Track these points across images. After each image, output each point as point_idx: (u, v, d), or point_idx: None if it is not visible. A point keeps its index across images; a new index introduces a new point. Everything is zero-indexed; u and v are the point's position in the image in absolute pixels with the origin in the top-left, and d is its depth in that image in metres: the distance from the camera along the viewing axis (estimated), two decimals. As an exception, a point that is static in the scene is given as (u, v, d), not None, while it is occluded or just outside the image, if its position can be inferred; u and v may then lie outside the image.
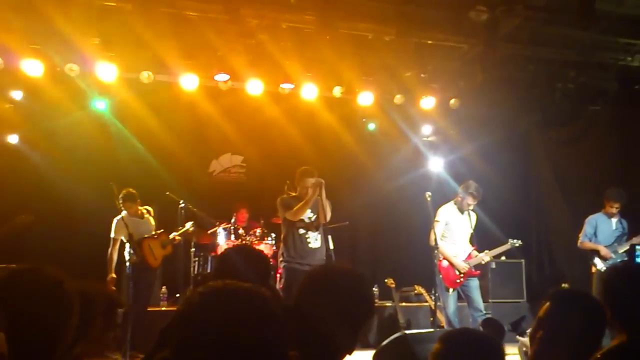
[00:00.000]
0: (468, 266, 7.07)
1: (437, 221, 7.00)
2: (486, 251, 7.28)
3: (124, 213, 7.07)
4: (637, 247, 7.46)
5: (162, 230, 7.44)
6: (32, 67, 7.31)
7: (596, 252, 7.69)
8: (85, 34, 7.04)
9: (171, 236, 7.49)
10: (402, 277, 8.56)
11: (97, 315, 2.57)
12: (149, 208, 7.47)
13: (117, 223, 7.11)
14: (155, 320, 7.27)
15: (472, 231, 7.33)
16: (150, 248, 7.22)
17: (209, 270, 8.55)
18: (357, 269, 2.28)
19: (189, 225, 7.69)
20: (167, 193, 8.02)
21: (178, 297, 8.43)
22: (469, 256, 7.20)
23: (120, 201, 7.01)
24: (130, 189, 7.21)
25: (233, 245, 7.96)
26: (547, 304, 2.36)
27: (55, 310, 1.96)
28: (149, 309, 7.58)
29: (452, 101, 8.22)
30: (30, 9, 6.54)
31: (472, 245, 7.31)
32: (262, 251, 7.47)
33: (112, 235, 7.14)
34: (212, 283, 1.31)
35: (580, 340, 2.26)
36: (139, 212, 7.35)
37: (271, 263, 8.20)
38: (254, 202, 9.04)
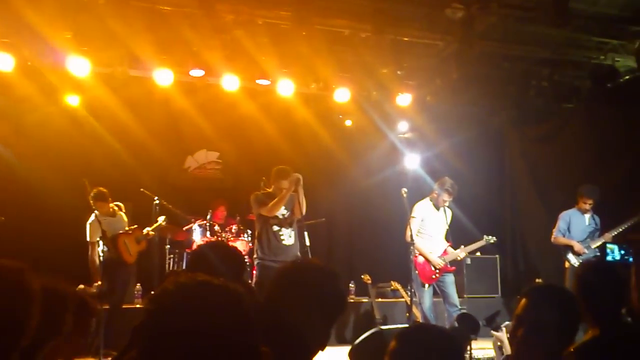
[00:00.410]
0: (443, 262, 7.12)
1: (413, 217, 7.03)
2: (462, 247, 7.35)
3: (96, 213, 6.93)
4: (609, 245, 7.55)
5: (136, 226, 7.34)
6: (3, 62, 7.19)
7: (570, 248, 7.78)
8: (58, 28, 6.93)
9: (145, 231, 7.37)
10: (378, 273, 8.59)
11: (68, 313, 2.52)
12: (120, 204, 7.35)
13: (91, 225, 6.98)
14: (130, 317, 7.19)
15: (447, 227, 7.37)
16: (126, 244, 7.13)
17: (184, 267, 8.49)
18: (328, 265, 2.26)
19: (161, 219, 7.59)
20: (142, 190, 7.93)
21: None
22: (445, 252, 7.25)
23: (92, 201, 6.88)
24: (101, 188, 7.05)
25: (207, 241, 7.91)
26: (524, 300, 2.37)
27: (13, 298, 1.91)
28: (124, 307, 7.50)
29: (428, 98, 8.22)
30: (0, 2, 6.41)
31: (448, 241, 7.36)
32: (236, 248, 7.44)
33: (89, 239, 7.00)
34: (183, 278, 1.28)
35: (558, 333, 2.27)
36: (111, 209, 7.22)
37: (246, 260, 8.19)
38: (229, 199, 8.98)
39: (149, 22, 6.93)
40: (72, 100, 8.31)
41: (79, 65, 7.40)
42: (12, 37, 6.98)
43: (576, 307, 2.39)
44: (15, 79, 7.60)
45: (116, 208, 7.30)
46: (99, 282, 6.87)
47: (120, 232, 7.13)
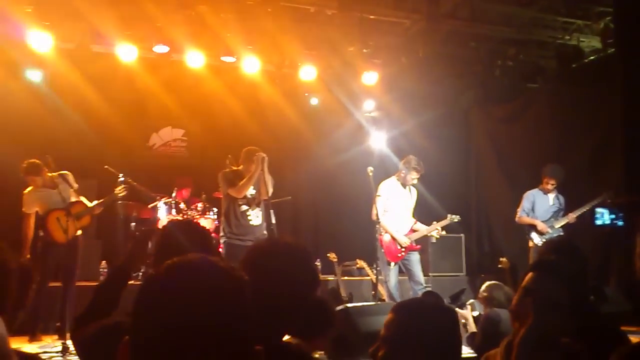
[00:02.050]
0: (409, 241, 7.16)
1: (378, 196, 7.04)
2: (434, 223, 7.36)
3: (30, 187, 6.54)
4: (598, 209, 7.59)
5: (76, 200, 6.74)
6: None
7: (533, 227, 7.86)
8: (18, 2, 6.76)
9: (92, 204, 6.77)
10: (344, 251, 8.62)
11: (13, 284, 2.49)
12: (66, 173, 6.73)
13: (25, 196, 6.53)
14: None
15: (414, 205, 7.41)
16: (59, 221, 6.52)
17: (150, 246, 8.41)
18: (299, 242, 2.25)
19: (118, 189, 7.01)
20: (106, 167, 7.81)
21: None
22: (411, 230, 7.29)
23: (22, 175, 6.46)
24: (33, 160, 6.53)
25: (174, 220, 7.84)
26: (532, 274, 2.32)
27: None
28: (88, 284, 7.40)
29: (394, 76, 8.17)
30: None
31: (415, 220, 7.40)
32: (204, 227, 7.38)
33: (24, 208, 6.53)
34: (177, 258, 1.16)
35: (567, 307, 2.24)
36: (50, 181, 6.61)
37: (214, 238, 8.16)
38: (195, 177, 8.90)
39: (111, -4, 6.81)
40: (34, 76, 8.12)
41: (40, 40, 7.26)
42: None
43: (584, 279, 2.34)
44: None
45: (59, 179, 6.69)
46: (28, 256, 6.45)
47: (54, 207, 6.52)
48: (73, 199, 6.71)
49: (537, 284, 2.27)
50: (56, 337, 6.18)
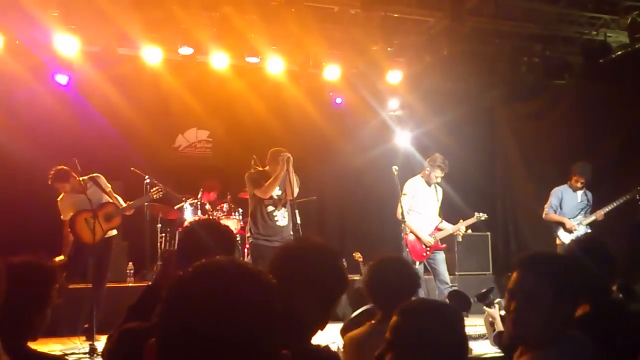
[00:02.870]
0: (434, 240, 7.13)
1: (404, 195, 7.01)
2: (461, 221, 7.31)
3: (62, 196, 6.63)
4: None
5: (107, 201, 6.75)
6: (-9, 41, 7.13)
7: (561, 225, 7.79)
8: (45, 6, 6.86)
9: (124, 205, 6.79)
10: (369, 250, 8.58)
11: (53, 286, 2.52)
12: (97, 175, 6.77)
13: (60, 203, 6.62)
14: (122, 296, 7.20)
15: (439, 204, 7.36)
16: (86, 222, 6.48)
17: (172, 246, 8.49)
18: (328, 243, 2.24)
19: (154, 189, 7.12)
20: (132, 169, 7.89)
21: (145, 273, 8.37)
22: (436, 229, 7.25)
23: (50, 183, 6.54)
24: (60, 167, 6.60)
25: (198, 219, 7.88)
26: (515, 273, 2.28)
27: None
28: (115, 285, 7.51)
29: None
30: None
31: (440, 219, 7.35)
32: (227, 226, 7.39)
33: (62, 216, 6.64)
34: (205, 260, 1.16)
35: (555, 304, 2.16)
36: (79, 185, 6.60)
37: (237, 238, 8.20)
38: (220, 178, 8.96)
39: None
40: (61, 79, 8.22)
41: (67, 44, 7.34)
42: (0, 16, 6.89)
43: (572, 274, 2.24)
44: (3, 58, 7.53)
45: (89, 183, 6.71)
46: (62, 257, 6.48)
47: (82, 209, 6.50)
48: (104, 201, 6.73)
49: (516, 284, 2.24)
50: (84, 338, 6.23)
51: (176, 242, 8.45)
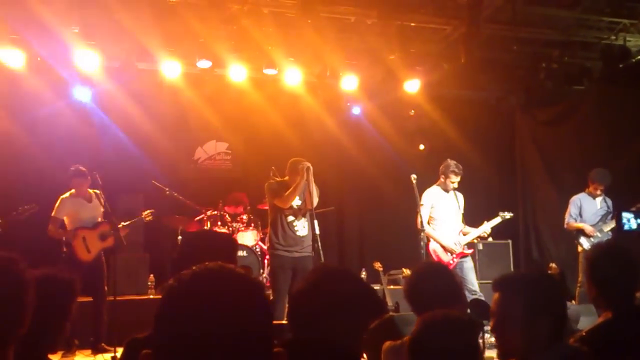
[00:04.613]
0: (459, 247, 7.05)
1: (422, 205, 6.97)
2: (485, 222, 7.22)
3: (71, 192, 6.67)
4: (625, 214, 7.38)
5: (103, 221, 6.81)
6: (13, 58, 7.25)
7: (581, 231, 7.72)
8: (65, 23, 6.97)
9: (120, 225, 6.82)
10: (389, 260, 8.56)
11: (74, 299, 2.54)
12: (98, 192, 6.78)
13: (61, 200, 6.64)
14: (143, 309, 7.24)
15: (462, 211, 7.28)
16: (84, 240, 6.59)
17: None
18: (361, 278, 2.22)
19: (146, 212, 7.20)
20: (153, 182, 7.96)
21: (165, 285, 8.40)
22: (461, 234, 7.17)
23: (68, 177, 6.61)
24: (80, 166, 6.71)
25: (195, 230, 7.87)
26: (496, 294, 2.36)
27: (6, 288, 1.92)
28: (137, 298, 7.56)
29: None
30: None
31: (463, 225, 7.26)
32: (225, 233, 7.37)
33: (53, 213, 6.63)
34: (195, 267, 1.20)
35: (528, 320, 2.23)
36: (87, 194, 6.76)
37: (258, 248, 8.21)
38: (240, 189, 9.01)
39: (155, 14, 6.96)
40: (82, 94, 8.33)
41: (87, 60, 7.45)
42: (22, 33, 7.02)
43: (545, 293, 2.31)
44: (25, 75, 7.66)
45: (94, 195, 6.82)
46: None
47: (80, 226, 6.62)
48: (100, 219, 6.82)
49: (493, 305, 2.34)
50: (89, 351, 6.26)
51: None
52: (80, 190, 6.69)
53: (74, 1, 6.68)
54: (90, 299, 6.60)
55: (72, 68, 7.72)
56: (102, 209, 6.77)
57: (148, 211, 7.22)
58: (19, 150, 8.04)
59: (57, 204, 6.68)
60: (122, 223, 6.92)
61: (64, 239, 6.64)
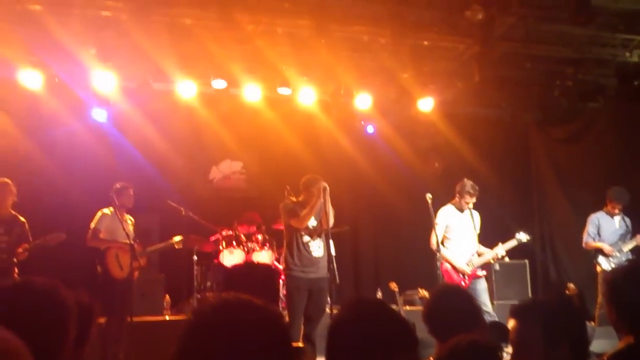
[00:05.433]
0: (471, 268, 6.99)
1: (436, 224, 6.93)
2: (500, 244, 7.14)
3: (111, 209, 6.79)
4: None
5: (137, 241, 6.93)
6: (31, 79, 7.35)
7: (600, 251, 7.64)
8: (83, 44, 7.06)
9: (150, 249, 7.07)
10: (405, 280, 8.50)
11: (94, 323, 2.54)
12: (131, 217, 7.08)
13: (102, 214, 6.80)
14: (159, 330, 7.23)
15: (478, 231, 7.21)
16: (117, 257, 6.71)
17: (208, 278, 8.53)
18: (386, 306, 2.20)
19: (176, 239, 7.28)
20: (168, 202, 7.99)
21: (181, 306, 8.40)
22: (475, 255, 7.10)
23: (113, 194, 6.76)
24: (126, 184, 6.96)
25: (242, 262, 7.88)
26: (512, 322, 2.34)
27: (50, 315, 1.93)
28: (152, 319, 7.55)
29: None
30: (28, 21, 6.55)
31: (478, 245, 7.20)
32: (268, 268, 7.38)
33: (93, 225, 6.76)
34: (225, 295, 1.28)
35: (551, 350, 2.21)
36: (122, 214, 6.88)
37: (276, 271, 8.20)
38: (254, 208, 9.02)
39: (171, 35, 7.03)
40: (99, 115, 8.42)
41: (104, 80, 7.54)
42: (40, 55, 7.12)
43: (562, 319, 2.30)
44: (43, 95, 7.76)
45: (128, 217, 7.04)
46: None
47: (114, 244, 6.73)
48: (132, 240, 6.82)
49: (511, 334, 2.32)
50: None
51: (212, 274, 8.50)
52: (127, 206, 6.90)
53: (91, 23, 6.76)
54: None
55: (89, 89, 7.82)
56: (130, 231, 6.86)
57: (178, 238, 7.26)
58: (37, 170, 8.11)
59: (97, 216, 6.82)
60: (152, 246, 7.15)
61: (98, 254, 6.72)
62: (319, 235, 6.27)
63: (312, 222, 6.24)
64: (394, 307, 8.12)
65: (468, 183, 7.06)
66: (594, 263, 7.73)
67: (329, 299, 6.23)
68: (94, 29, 6.86)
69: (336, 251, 6.13)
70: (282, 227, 6.62)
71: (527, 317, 2.30)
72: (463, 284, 6.92)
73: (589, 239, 7.75)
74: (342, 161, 9.63)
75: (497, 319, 6.73)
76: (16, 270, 6.36)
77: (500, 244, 7.14)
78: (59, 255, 6.77)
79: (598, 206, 7.85)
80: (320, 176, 6.35)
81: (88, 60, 7.29)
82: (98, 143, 8.71)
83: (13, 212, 6.54)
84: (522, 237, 7.16)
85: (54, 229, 6.73)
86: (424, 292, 7.90)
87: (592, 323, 7.47)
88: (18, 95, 7.78)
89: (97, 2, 6.57)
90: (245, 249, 8.37)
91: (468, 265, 7.00)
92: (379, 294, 8.72)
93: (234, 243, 8.41)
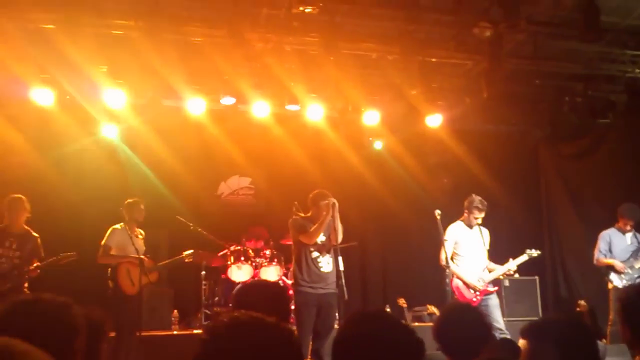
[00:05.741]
0: (483, 284, 6.94)
1: (445, 240, 6.90)
2: (510, 260, 7.09)
3: (122, 225, 6.86)
4: None
5: (149, 256, 7.00)
6: (43, 96, 7.43)
7: (612, 268, 7.57)
8: (94, 62, 7.14)
9: (161, 264, 7.13)
10: (413, 296, 8.48)
11: (104, 341, 2.55)
12: (142, 231, 7.13)
13: (114, 230, 6.83)
14: (166, 345, 7.23)
15: (487, 247, 7.18)
16: (129, 273, 6.72)
17: (217, 293, 8.53)
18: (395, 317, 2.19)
19: (186, 253, 7.29)
20: (177, 217, 8.02)
21: (189, 320, 8.41)
22: (485, 271, 7.05)
23: (124, 210, 6.85)
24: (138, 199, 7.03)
25: (254, 279, 7.89)
26: (524, 342, 2.30)
27: (59, 333, 1.94)
28: (161, 334, 7.56)
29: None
30: (41, 40, 6.64)
31: (488, 261, 7.15)
32: (280, 285, 7.38)
33: (104, 241, 6.80)
34: (237, 314, 1.29)
35: None
36: (133, 230, 6.97)
37: (286, 289, 8.18)
38: (262, 224, 9.04)
39: (181, 53, 7.12)
40: (109, 132, 8.49)
41: (114, 98, 7.61)
42: (52, 72, 7.21)
43: (578, 338, 2.26)
44: (55, 113, 7.84)
45: (140, 233, 7.10)
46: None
47: (124, 260, 6.75)
48: (142, 255, 6.92)
49: (525, 354, 2.26)
50: None
51: (219, 289, 8.50)
52: (138, 220, 6.96)
53: (102, 41, 6.85)
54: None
55: (100, 106, 7.89)
56: (141, 246, 6.93)
57: (189, 252, 7.28)
58: (48, 186, 8.16)
59: (108, 233, 6.85)
60: (164, 261, 7.17)
61: (109, 269, 6.74)
62: (328, 251, 6.26)
63: (321, 238, 6.24)
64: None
65: (476, 198, 7.03)
66: (605, 280, 7.65)
67: (337, 314, 6.20)
68: (105, 47, 6.95)
69: (344, 267, 6.12)
70: (290, 242, 6.62)
71: (540, 337, 2.25)
72: (475, 300, 6.87)
73: (600, 255, 7.69)
74: (350, 177, 9.63)
75: (509, 336, 6.66)
76: (26, 285, 6.40)
77: (511, 259, 7.09)
78: (70, 271, 6.79)
79: (609, 223, 7.80)
80: (328, 192, 6.36)
81: (99, 78, 7.37)
82: (108, 159, 8.78)
83: (26, 228, 6.60)
84: (533, 252, 7.12)
85: (65, 244, 6.79)
86: (432, 309, 7.86)
87: (604, 341, 7.39)
88: (30, 112, 7.86)
89: (108, 21, 6.64)
90: (254, 264, 8.37)
91: (479, 281, 6.95)
92: (387, 310, 8.67)
93: (242, 258, 8.41)
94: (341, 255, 6.16)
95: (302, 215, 6.48)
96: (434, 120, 8.50)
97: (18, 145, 8.20)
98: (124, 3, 6.43)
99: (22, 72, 7.06)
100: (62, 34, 6.43)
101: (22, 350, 1.17)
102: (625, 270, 7.47)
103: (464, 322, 3.02)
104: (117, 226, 6.89)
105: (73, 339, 1.97)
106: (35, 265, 6.40)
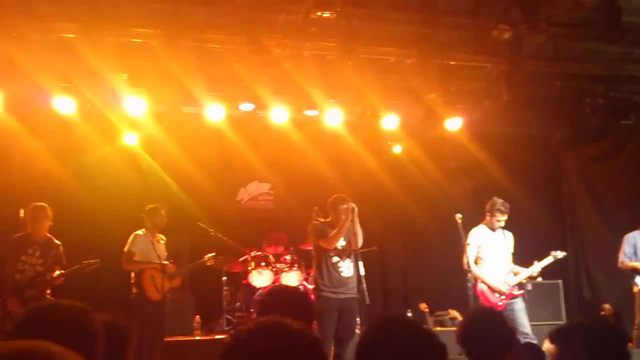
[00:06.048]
0: (508, 288, 6.86)
1: (468, 244, 6.85)
2: (535, 262, 7.00)
3: (144, 231, 6.94)
4: None
5: (171, 261, 7.09)
6: (65, 105, 7.52)
7: (637, 271, 7.48)
8: (114, 70, 7.21)
9: (183, 269, 7.24)
10: (435, 301, 8.41)
11: (130, 347, 2.56)
12: (163, 237, 7.22)
13: (135, 237, 6.92)
14: (189, 350, 7.26)
15: (511, 251, 7.10)
16: (153, 278, 6.80)
17: (238, 299, 8.55)
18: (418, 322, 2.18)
19: (208, 256, 7.41)
20: (198, 223, 8.06)
21: (211, 326, 8.43)
22: (511, 274, 6.97)
23: (147, 216, 6.95)
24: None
25: (278, 286, 7.89)
26: (551, 346, 2.26)
27: (77, 339, 1.94)
28: (183, 339, 7.59)
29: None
30: (62, 49, 6.72)
31: (512, 265, 7.07)
32: (303, 291, 7.39)
33: (126, 247, 6.87)
34: (262, 318, 1.29)
35: None
36: (154, 235, 7.08)
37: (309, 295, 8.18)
38: (282, 229, 9.05)
39: (200, 60, 7.17)
40: (130, 139, 8.56)
41: (135, 105, 7.67)
42: (73, 81, 7.30)
43: (606, 341, 2.23)
44: (76, 121, 7.93)
45: (160, 239, 7.18)
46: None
47: (148, 266, 6.85)
48: (165, 260, 7.01)
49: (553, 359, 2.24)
50: None
51: (241, 294, 8.52)
52: (160, 226, 7.05)
53: (122, 49, 6.91)
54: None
55: (120, 113, 7.97)
56: (163, 252, 7.03)
57: (210, 255, 7.39)
58: (70, 194, 8.25)
59: (130, 239, 6.93)
60: (187, 265, 7.30)
61: (132, 275, 6.81)
62: (348, 256, 6.25)
63: (341, 243, 6.23)
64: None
65: (498, 201, 6.98)
66: (631, 283, 7.55)
67: (358, 319, 6.17)
68: (125, 55, 7.01)
69: (365, 272, 6.10)
70: (310, 247, 6.62)
71: (570, 342, 2.23)
72: (500, 304, 6.79)
73: (624, 258, 7.58)
74: (369, 182, 9.61)
75: (535, 341, 6.58)
76: (48, 291, 6.46)
77: (535, 262, 7.00)
78: (92, 277, 6.85)
79: (633, 225, 7.69)
80: (348, 196, 6.34)
81: (119, 86, 7.43)
82: (129, 166, 8.85)
83: (48, 235, 6.67)
84: (558, 253, 7.03)
85: (87, 251, 6.86)
86: (454, 313, 7.79)
87: (630, 345, 7.27)
88: (52, 121, 7.96)
89: (128, 30, 6.70)
90: (274, 269, 8.38)
91: (504, 284, 6.87)
92: (409, 315, 8.62)
93: (263, 264, 8.43)
94: (361, 260, 6.14)
95: (322, 220, 6.48)
96: (454, 124, 8.44)
97: (40, 154, 8.30)
98: (144, 11, 6.48)
99: (44, 81, 7.14)
100: (83, 43, 6.50)
101: (59, 352, 1.18)
102: (650, 273, 7.37)
103: (488, 326, 3.00)
104: (139, 232, 6.95)
105: (91, 344, 1.97)
106: (58, 273, 6.47)
